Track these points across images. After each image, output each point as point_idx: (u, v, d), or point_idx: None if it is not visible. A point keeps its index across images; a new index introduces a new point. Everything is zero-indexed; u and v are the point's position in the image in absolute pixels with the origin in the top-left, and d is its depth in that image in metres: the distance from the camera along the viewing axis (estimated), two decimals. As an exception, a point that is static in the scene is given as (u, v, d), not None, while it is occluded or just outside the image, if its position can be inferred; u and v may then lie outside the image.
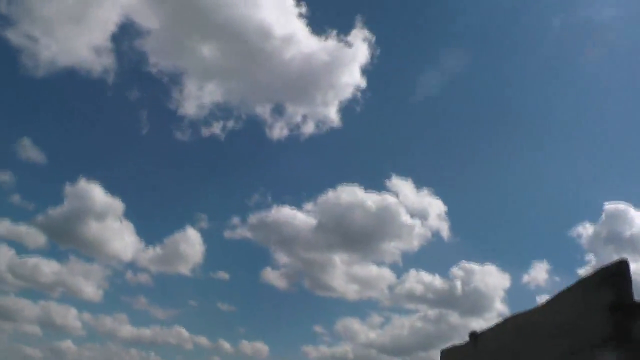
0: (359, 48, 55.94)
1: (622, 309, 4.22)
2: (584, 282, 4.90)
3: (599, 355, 4.27)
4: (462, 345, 7.73)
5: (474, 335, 7.29)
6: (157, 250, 61.33)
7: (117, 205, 58.14)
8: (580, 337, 4.62)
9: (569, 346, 4.68)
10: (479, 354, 6.84)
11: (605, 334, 4.27)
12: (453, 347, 8.01)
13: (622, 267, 4.46)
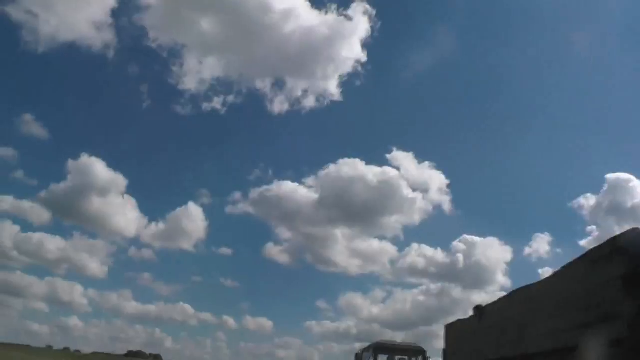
0: (359, 21, 55.21)
1: (636, 280, 4.09)
2: (594, 252, 4.77)
3: (610, 329, 4.15)
4: (466, 319, 7.66)
5: (479, 309, 7.22)
6: (160, 226, 61.52)
7: (119, 181, 58.28)
8: (591, 309, 4.51)
9: (579, 319, 4.58)
10: (484, 328, 6.77)
11: (618, 307, 4.15)
12: (457, 321, 7.95)
13: (635, 236, 4.32)
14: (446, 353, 7.97)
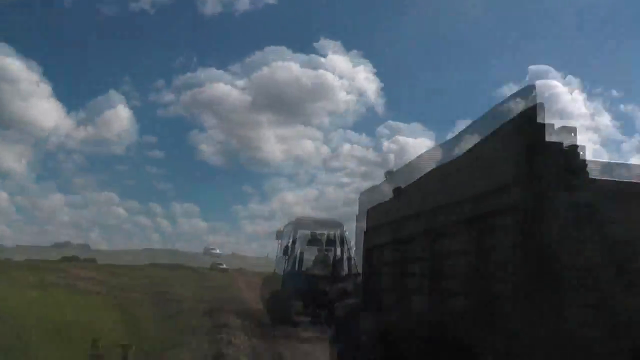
0: None
1: (535, 150, 4.33)
2: (502, 128, 4.97)
3: (510, 193, 4.41)
4: (387, 202, 8.01)
5: (397, 190, 7.55)
6: (80, 115, 60.50)
7: (34, 68, 54.82)
8: (498, 179, 4.77)
9: (486, 188, 4.86)
10: (402, 207, 7.12)
11: (520, 176, 4.40)
12: (379, 204, 8.28)
13: (536, 111, 4.51)
14: (367, 234, 8.37)
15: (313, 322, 16.75)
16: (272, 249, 20.32)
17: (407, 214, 6.51)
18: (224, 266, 68.55)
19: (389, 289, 6.89)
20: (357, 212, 9.19)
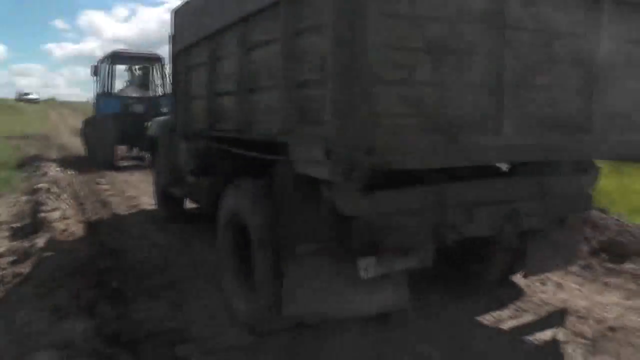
0: None
1: None
2: None
3: None
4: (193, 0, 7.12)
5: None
6: None
7: None
8: None
9: None
10: (207, 5, 6.32)
11: None
12: (184, 4, 7.35)
13: None
14: (174, 37, 7.53)
15: (138, 166, 16.41)
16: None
17: (217, 7, 5.79)
18: (34, 96, 61.48)
19: (197, 95, 6.39)
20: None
